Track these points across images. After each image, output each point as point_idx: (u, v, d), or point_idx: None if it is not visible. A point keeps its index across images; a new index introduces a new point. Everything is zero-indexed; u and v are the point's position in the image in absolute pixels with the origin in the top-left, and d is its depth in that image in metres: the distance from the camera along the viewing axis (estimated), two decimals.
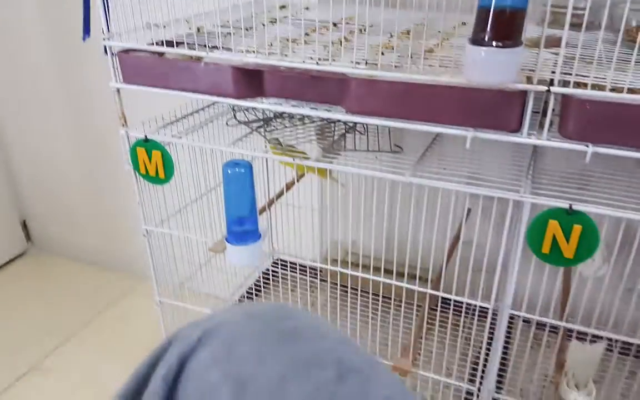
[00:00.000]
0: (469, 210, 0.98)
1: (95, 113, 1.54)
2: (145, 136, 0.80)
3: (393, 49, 0.74)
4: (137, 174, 0.85)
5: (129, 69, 0.76)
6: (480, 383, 0.94)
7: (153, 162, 0.82)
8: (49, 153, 1.69)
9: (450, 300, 0.87)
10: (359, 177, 1.00)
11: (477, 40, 0.58)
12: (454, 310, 0.97)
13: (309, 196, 1.26)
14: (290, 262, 1.34)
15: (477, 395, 0.88)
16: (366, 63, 0.67)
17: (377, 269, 0.88)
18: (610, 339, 0.79)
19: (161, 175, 0.83)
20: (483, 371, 0.91)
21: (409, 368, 0.88)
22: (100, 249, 1.77)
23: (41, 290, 1.70)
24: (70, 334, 1.50)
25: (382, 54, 0.71)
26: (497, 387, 0.87)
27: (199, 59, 0.77)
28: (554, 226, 0.68)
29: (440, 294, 0.91)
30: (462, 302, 0.85)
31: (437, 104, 0.66)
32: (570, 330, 0.82)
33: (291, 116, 0.92)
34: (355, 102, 0.70)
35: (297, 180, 1.09)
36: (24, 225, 1.87)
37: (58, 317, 1.56)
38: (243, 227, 0.85)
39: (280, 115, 0.93)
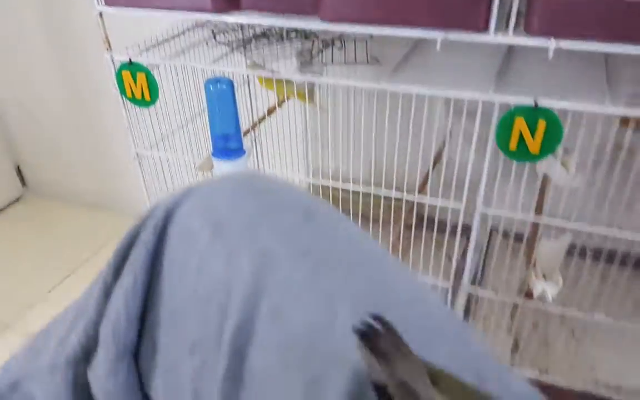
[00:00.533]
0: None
1: (83, 51, 1.54)
2: (130, 59, 0.83)
3: None
4: (124, 98, 0.88)
5: None
6: (455, 280, 1.00)
7: (138, 84, 0.84)
8: (37, 96, 1.70)
9: (426, 210, 0.92)
10: (340, 98, 1.04)
11: None
12: (432, 225, 1.02)
13: (293, 122, 1.29)
14: None
15: (452, 292, 0.94)
16: None
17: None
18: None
19: (147, 97, 0.86)
20: (457, 272, 0.97)
21: None
22: (93, 191, 1.80)
23: (39, 233, 1.74)
24: (70, 271, 1.55)
25: None
26: (472, 284, 0.93)
27: None
28: (520, 123, 0.73)
29: (416, 198, 0.95)
30: (436, 207, 0.90)
31: (408, 6, 0.68)
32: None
33: (269, 37, 0.94)
34: (330, 9, 0.72)
35: (279, 105, 1.12)
36: (19, 171, 1.90)
37: (57, 256, 1.61)
38: (228, 144, 0.88)
39: (260, 35, 0.95)
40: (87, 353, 0.38)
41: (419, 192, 0.98)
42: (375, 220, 0.94)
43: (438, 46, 0.70)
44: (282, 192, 0.40)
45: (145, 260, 0.37)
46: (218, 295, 0.34)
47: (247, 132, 0.98)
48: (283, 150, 1.28)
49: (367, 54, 0.86)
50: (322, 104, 1.12)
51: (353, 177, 0.95)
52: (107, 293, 0.38)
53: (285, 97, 1.11)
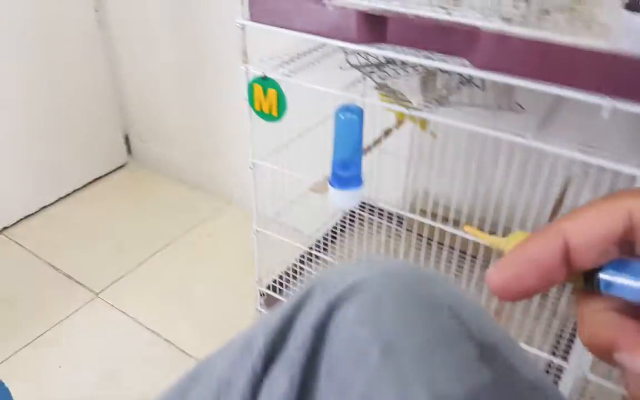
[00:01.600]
0: (570, 178, 0.94)
1: (203, 41, 1.58)
2: (264, 74, 0.82)
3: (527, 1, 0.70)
4: (252, 110, 0.88)
5: (257, 6, 0.77)
6: (565, 355, 0.93)
7: (268, 99, 0.84)
8: (154, 74, 1.77)
9: None
10: (458, 131, 0.98)
11: (633, 5, 0.54)
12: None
13: (397, 142, 1.25)
14: (374, 206, 1.35)
15: (561, 369, 0.87)
16: (502, 17, 0.64)
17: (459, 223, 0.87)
18: None
19: (274, 113, 0.85)
20: (570, 344, 0.89)
21: None
22: (193, 170, 1.86)
23: (137, 203, 1.83)
24: (161, 246, 1.62)
25: (517, 8, 0.67)
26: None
27: None
28: None
29: None
30: None
31: (576, 68, 0.62)
32: None
33: (403, 63, 0.90)
34: (484, 56, 0.67)
35: (397, 127, 1.08)
36: (126, 140, 2.00)
37: (151, 230, 1.68)
38: (347, 171, 0.86)
39: (392, 60, 0.91)
40: None
41: None
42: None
43: (606, 114, 0.62)
44: (453, 309, 0.36)
45: (303, 362, 0.35)
46: None
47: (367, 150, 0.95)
48: (384, 169, 1.25)
49: (509, 99, 0.80)
50: (433, 130, 1.07)
51: (455, 205, 0.90)
52: (254, 386, 0.36)
53: (405, 120, 1.07)
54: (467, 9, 0.66)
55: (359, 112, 0.79)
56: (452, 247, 0.99)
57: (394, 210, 1.31)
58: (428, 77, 0.93)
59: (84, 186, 1.86)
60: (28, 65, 1.58)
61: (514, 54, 0.65)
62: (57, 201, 1.78)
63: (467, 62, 0.70)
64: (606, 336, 0.23)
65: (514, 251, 0.24)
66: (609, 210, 0.23)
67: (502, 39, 0.65)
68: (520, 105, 0.79)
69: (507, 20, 0.64)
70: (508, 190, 1.05)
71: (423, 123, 1.01)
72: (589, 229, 0.23)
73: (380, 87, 0.81)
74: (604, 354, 0.23)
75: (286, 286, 1.21)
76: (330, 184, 0.88)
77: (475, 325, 0.35)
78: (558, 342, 0.98)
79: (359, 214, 1.38)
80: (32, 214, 1.71)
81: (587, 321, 0.24)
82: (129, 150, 2.02)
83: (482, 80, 0.85)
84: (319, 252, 1.23)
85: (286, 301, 0.40)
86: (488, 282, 0.24)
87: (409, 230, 1.30)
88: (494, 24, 0.64)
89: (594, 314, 0.24)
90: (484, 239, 0.32)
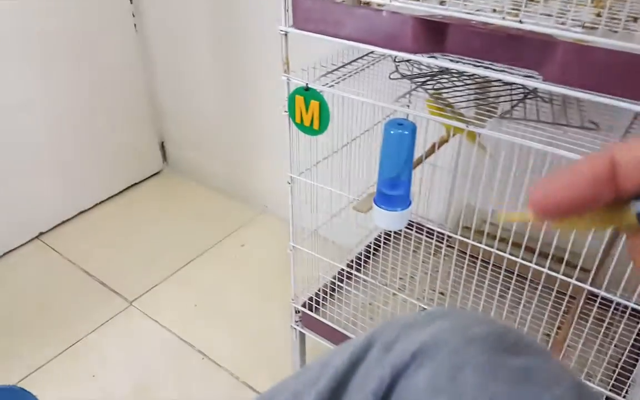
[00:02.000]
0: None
1: (242, 50, 1.54)
2: (307, 85, 0.76)
3: (605, 8, 0.62)
4: (292, 122, 0.82)
5: (302, 12, 0.71)
6: (626, 394, 0.84)
7: (310, 112, 0.78)
8: (191, 81, 1.74)
9: (604, 297, 0.77)
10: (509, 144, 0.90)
11: None
12: (601, 305, 0.86)
13: (442, 155, 1.17)
14: (417, 224, 1.28)
15: None
16: (583, 26, 0.56)
17: (515, 245, 0.79)
18: None
19: (315, 126, 0.79)
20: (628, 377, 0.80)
21: None
22: (228, 178, 1.83)
23: (172, 209, 1.80)
24: (195, 255, 1.58)
25: (599, 15, 0.59)
26: None
27: (367, 3, 0.70)
28: None
29: (602, 292, 0.80)
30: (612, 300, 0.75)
31: None
32: None
33: (460, 73, 0.83)
34: (559, 69, 0.59)
35: (447, 140, 1.01)
36: (162, 146, 1.98)
37: (185, 238, 1.65)
38: (394, 191, 0.79)
39: (446, 70, 0.84)
40: None
41: (594, 277, 0.82)
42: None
43: None
44: (544, 383, 0.29)
45: None
46: None
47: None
48: (431, 187, 1.17)
49: (580, 115, 0.71)
50: (483, 144, 0.99)
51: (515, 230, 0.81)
52: None
53: (452, 133, 1.00)
54: (540, 16, 0.58)
55: (411, 128, 0.72)
56: (508, 271, 0.91)
57: (439, 228, 1.23)
58: (485, 88, 0.86)
59: (120, 192, 1.85)
60: (64, 72, 1.57)
61: (594, 67, 0.57)
62: (92, 207, 1.77)
63: (535, 73, 0.62)
64: None
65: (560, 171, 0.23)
66: None
67: (581, 50, 0.57)
68: (594, 123, 0.70)
69: (589, 29, 0.56)
70: None
71: (471, 136, 0.93)
72: (637, 149, 0.21)
73: (434, 99, 0.74)
74: None
75: (322, 305, 1.15)
76: (375, 203, 0.81)
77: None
78: (619, 377, 0.89)
79: (403, 230, 1.31)
80: (67, 220, 1.71)
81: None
82: (164, 157, 2.00)
83: (550, 94, 0.77)
84: (359, 270, 1.16)
85: (338, 351, 0.34)
86: (531, 199, 0.23)
87: (452, 247, 1.22)
88: (573, 33, 0.56)
89: None
90: (516, 218, 0.27)
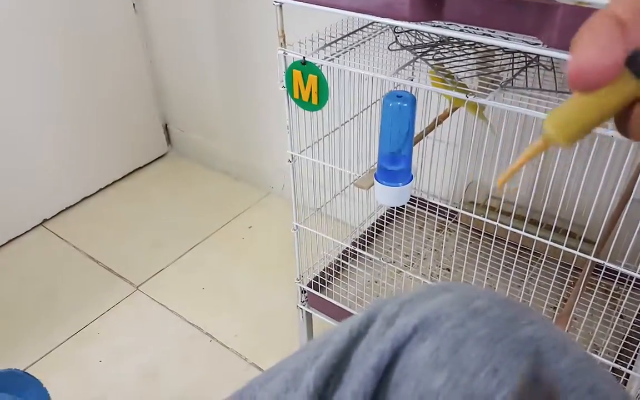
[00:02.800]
0: None
1: (243, 27, 1.52)
2: (304, 58, 0.75)
3: None
4: (290, 98, 0.81)
5: None
6: (632, 365, 0.83)
7: (308, 86, 0.76)
8: (194, 62, 1.73)
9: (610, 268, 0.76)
10: (514, 117, 0.88)
11: None
12: (606, 276, 0.85)
13: (447, 129, 1.15)
14: (421, 199, 1.27)
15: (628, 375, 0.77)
16: None
17: (518, 218, 0.78)
18: None
19: (314, 101, 0.78)
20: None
21: None
22: (233, 160, 1.82)
23: (177, 192, 1.80)
24: (201, 238, 1.58)
25: None
26: None
27: None
28: None
29: (607, 263, 0.79)
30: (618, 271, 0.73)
31: None
32: None
33: (461, 42, 0.81)
34: (559, 34, 0.57)
35: (450, 114, 0.99)
36: (166, 129, 1.97)
37: (191, 221, 1.65)
38: (395, 166, 0.78)
39: (447, 40, 0.82)
40: None
41: (599, 249, 0.80)
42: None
43: None
44: (553, 355, 0.28)
45: None
46: None
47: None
48: (435, 162, 1.15)
49: None
50: (491, 121, 0.97)
51: (518, 203, 0.80)
52: None
53: (452, 106, 0.98)
54: None
55: (410, 100, 0.70)
56: (512, 244, 0.90)
57: (443, 204, 1.22)
58: (487, 57, 0.84)
59: (124, 177, 1.85)
60: (66, 56, 1.57)
61: None
62: (96, 192, 1.77)
63: (536, 40, 0.60)
64: None
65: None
66: None
67: (581, 13, 0.55)
68: None
69: None
70: (573, 181, 0.95)
71: (472, 107, 0.91)
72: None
73: (435, 70, 0.73)
74: None
75: (328, 284, 1.14)
76: (376, 179, 0.80)
77: (582, 377, 0.28)
78: (625, 348, 0.89)
79: (408, 207, 1.30)
80: (71, 206, 1.71)
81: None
82: (168, 140, 1.99)
83: (552, 61, 0.75)
84: (364, 249, 1.15)
85: (339, 328, 0.34)
86: (570, 73, 0.23)
87: (457, 222, 1.21)
88: None
89: None
90: (524, 157, 0.27)
